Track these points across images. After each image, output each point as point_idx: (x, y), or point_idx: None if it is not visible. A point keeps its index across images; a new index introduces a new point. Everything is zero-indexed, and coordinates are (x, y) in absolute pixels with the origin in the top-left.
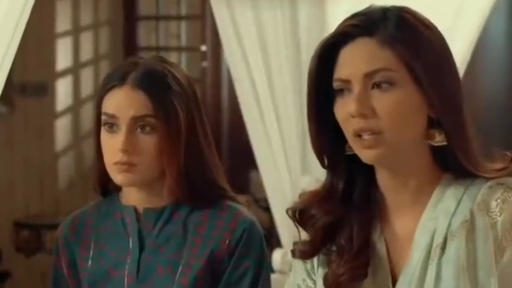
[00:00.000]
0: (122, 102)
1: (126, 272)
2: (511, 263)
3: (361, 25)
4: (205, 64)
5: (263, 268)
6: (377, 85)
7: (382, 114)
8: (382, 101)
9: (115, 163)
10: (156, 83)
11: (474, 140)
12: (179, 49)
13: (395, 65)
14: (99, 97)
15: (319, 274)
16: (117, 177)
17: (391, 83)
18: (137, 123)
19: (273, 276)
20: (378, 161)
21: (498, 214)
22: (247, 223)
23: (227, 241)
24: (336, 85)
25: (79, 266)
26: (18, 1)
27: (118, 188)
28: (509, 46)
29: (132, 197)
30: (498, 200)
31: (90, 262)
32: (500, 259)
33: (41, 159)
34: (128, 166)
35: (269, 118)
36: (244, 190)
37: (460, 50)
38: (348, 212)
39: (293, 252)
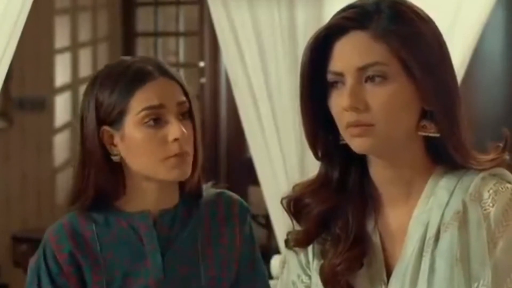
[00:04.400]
0: (166, 92)
1: (149, 278)
2: (504, 254)
3: (354, 18)
4: (203, 80)
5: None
6: (370, 79)
7: (375, 107)
8: (375, 95)
9: (169, 157)
10: (179, 76)
11: (467, 133)
12: (177, 65)
13: (388, 58)
14: (123, 101)
15: (314, 267)
16: (173, 172)
17: (384, 77)
18: (181, 111)
19: (272, 282)
20: (368, 151)
21: (491, 205)
22: (244, 205)
23: (237, 229)
24: (330, 77)
25: (92, 281)
26: (12, 9)
27: (114, 197)
28: (506, 65)
29: (145, 201)
30: (491, 191)
31: (104, 275)
32: (493, 250)
33: (39, 173)
34: (184, 156)
35: (267, 122)
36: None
37: (460, 54)
38: (342, 202)
39: (286, 242)
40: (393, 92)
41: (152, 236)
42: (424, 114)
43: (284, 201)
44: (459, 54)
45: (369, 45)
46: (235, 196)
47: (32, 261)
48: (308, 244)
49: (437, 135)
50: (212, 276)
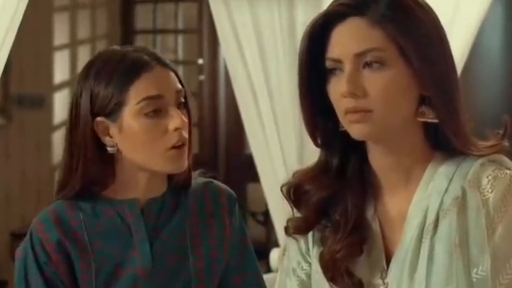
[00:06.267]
0: (164, 82)
1: (138, 267)
2: (503, 240)
3: (352, 5)
4: (202, 77)
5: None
6: (368, 65)
7: (372, 93)
8: (373, 81)
9: (171, 147)
10: (173, 64)
11: (466, 119)
12: (176, 62)
13: (385, 44)
14: (120, 92)
15: (315, 254)
16: (170, 164)
17: (381, 63)
18: (178, 100)
19: (271, 275)
20: (367, 137)
21: (490, 191)
22: (231, 196)
23: (226, 220)
24: (328, 64)
25: (81, 270)
26: (10, 2)
27: (102, 187)
28: (504, 62)
29: (134, 190)
30: (490, 177)
31: (93, 264)
32: (492, 236)
33: (38, 170)
34: (183, 147)
35: (267, 120)
36: (241, 203)
37: (459, 50)
38: (342, 188)
39: (286, 229)
40: (391, 78)
41: (139, 225)
42: (423, 100)
43: (284, 188)
44: (458, 50)
45: (366, 31)
46: (222, 186)
47: (18, 251)
48: (307, 231)
49: (436, 121)
50: (201, 267)
